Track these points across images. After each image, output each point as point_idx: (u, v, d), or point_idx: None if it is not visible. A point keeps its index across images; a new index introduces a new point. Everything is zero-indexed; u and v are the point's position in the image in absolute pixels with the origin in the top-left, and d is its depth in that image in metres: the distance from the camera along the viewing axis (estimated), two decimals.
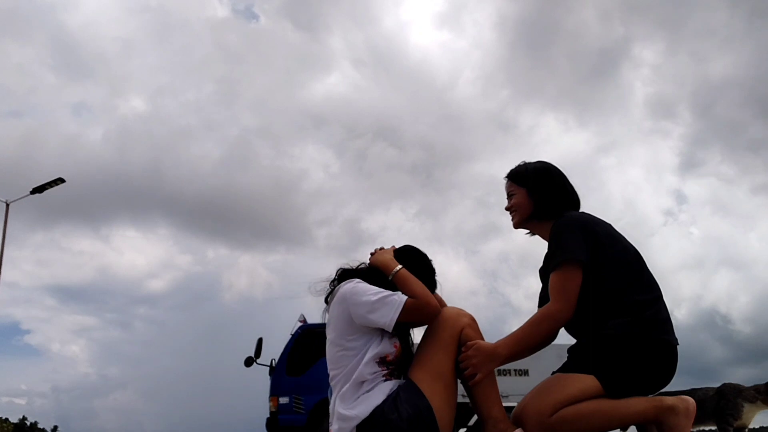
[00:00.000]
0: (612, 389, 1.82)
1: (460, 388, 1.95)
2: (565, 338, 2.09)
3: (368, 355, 1.93)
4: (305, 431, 9.49)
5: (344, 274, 2.13)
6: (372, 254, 2.17)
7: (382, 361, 1.95)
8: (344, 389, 1.91)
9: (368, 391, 1.90)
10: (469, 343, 1.90)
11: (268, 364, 10.60)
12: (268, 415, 10.07)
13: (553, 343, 2.02)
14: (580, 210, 2.15)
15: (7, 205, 16.67)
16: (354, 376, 1.91)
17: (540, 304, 2.16)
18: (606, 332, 1.86)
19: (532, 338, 1.93)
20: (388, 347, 1.96)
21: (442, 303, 2.11)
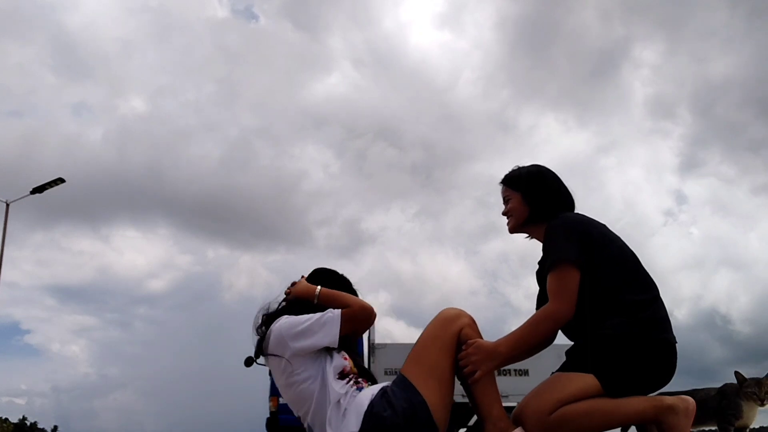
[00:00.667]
0: (611, 388, 1.82)
1: (460, 388, 1.95)
2: (566, 338, 2.09)
3: (328, 375, 1.91)
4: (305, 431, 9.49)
5: (269, 319, 2.11)
6: (287, 293, 2.15)
7: (342, 374, 1.94)
8: (328, 416, 1.87)
9: (348, 404, 1.86)
10: (469, 341, 1.90)
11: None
12: (268, 415, 10.08)
13: (553, 343, 2.02)
14: (575, 211, 2.15)
15: (7, 205, 16.68)
16: (328, 401, 1.88)
17: (537, 307, 2.16)
18: (604, 332, 1.86)
19: (532, 338, 1.93)
20: (340, 361, 1.96)
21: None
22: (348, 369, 1.97)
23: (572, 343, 2.03)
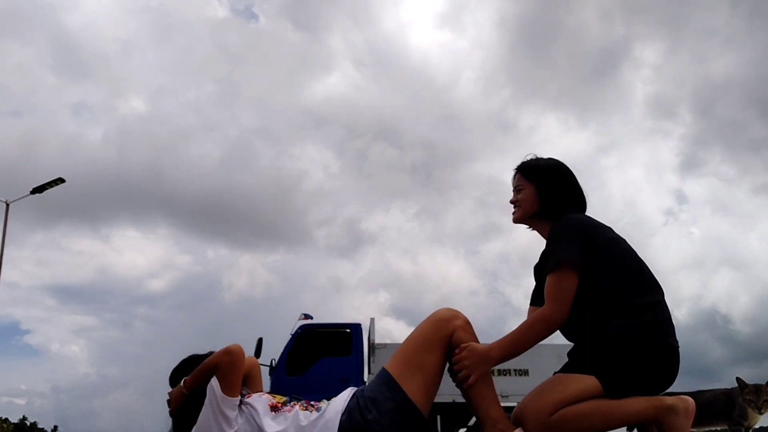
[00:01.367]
0: (612, 389, 1.82)
1: (453, 389, 1.94)
2: (565, 339, 2.08)
3: (263, 420, 1.86)
4: None
5: (177, 419, 2.01)
6: (170, 411, 2.05)
7: (274, 408, 1.90)
8: None
9: (318, 429, 1.81)
10: (462, 345, 1.89)
11: (268, 364, 10.61)
12: None
13: (553, 343, 2.01)
14: (586, 212, 2.12)
15: (7, 205, 16.66)
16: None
17: (532, 302, 2.16)
18: (604, 333, 1.85)
19: (526, 341, 1.92)
20: (260, 403, 1.91)
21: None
22: (274, 402, 1.93)
23: (572, 344, 2.02)
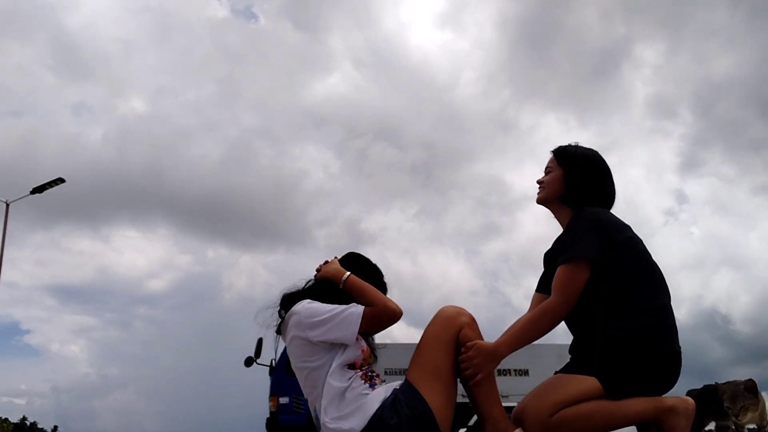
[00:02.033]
0: (612, 391, 1.81)
1: (460, 387, 1.94)
2: (565, 338, 2.09)
3: (335, 366, 1.90)
4: (305, 431, 9.49)
5: (289, 299, 2.07)
6: (318, 270, 2.12)
7: (351, 366, 1.93)
8: (326, 403, 1.87)
9: (355, 400, 1.86)
10: (469, 343, 1.89)
11: (268, 364, 10.60)
12: (268, 415, 10.08)
13: (553, 342, 2.02)
14: (612, 209, 2.09)
15: (7, 205, 16.66)
16: (333, 389, 1.87)
17: (538, 289, 2.16)
18: (611, 333, 1.85)
19: (532, 335, 1.92)
20: (353, 353, 1.94)
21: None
22: (360, 361, 1.95)
23: (572, 342, 2.02)
